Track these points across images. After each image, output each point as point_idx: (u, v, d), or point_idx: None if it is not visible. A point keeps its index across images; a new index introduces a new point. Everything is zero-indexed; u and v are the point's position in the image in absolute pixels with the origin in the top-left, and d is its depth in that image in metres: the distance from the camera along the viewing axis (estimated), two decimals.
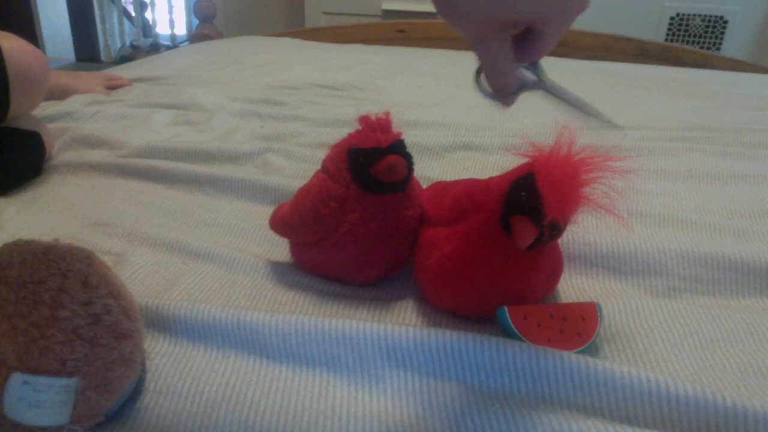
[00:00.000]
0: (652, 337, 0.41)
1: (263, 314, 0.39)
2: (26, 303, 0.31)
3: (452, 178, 0.51)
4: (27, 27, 2.96)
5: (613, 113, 1.00)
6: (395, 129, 0.44)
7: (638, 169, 0.71)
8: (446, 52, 1.64)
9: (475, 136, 0.83)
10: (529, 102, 0.36)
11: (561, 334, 0.38)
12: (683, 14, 2.12)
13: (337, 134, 0.48)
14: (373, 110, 0.45)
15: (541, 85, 0.34)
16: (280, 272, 0.49)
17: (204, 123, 0.90)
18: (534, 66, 0.34)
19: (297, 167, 0.73)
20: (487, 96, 0.34)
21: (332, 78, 1.26)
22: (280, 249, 0.54)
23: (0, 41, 0.63)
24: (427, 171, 0.71)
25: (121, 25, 3.39)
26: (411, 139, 0.48)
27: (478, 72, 0.33)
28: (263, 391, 0.36)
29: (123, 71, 1.26)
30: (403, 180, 0.44)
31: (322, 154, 0.48)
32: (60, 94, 1.01)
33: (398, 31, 1.80)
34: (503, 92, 0.33)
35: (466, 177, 0.52)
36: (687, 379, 0.36)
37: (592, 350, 0.40)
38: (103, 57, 3.44)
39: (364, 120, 0.44)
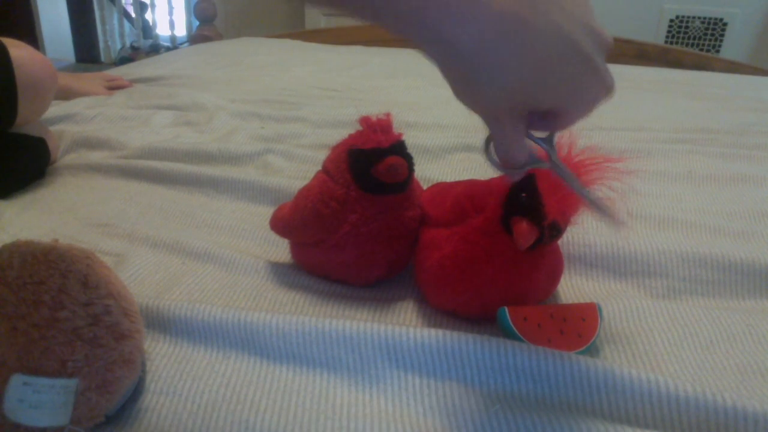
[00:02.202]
0: (652, 337, 0.41)
1: (264, 315, 0.39)
2: (26, 304, 0.31)
3: (453, 179, 0.51)
4: (27, 28, 2.96)
5: (613, 115, 1.00)
6: (396, 130, 0.45)
7: (638, 170, 0.71)
8: None
9: (476, 137, 0.83)
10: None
11: (561, 334, 0.38)
12: (683, 16, 2.12)
13: (338, 135, 0.48)
14: (374, 111, 0.46)
15: (548, 165, 0.34)
16: (280, 273, 0.49)
17: (204, 124, 0.90)
18: (549, 140, 0.34)
19: (297, 168, 0.73)
20: (494, 166, 0.34)
21: (332, 79, 1.26)
22: (281, 249, 0.54)
23: (9, 50, 0.63)
24: (428, 172, 0.71)
25: (121, 26, 3.40)
26: (411, 140, 0.49)
27: (488, 141, 0.33)
28: (264, 391, 0.36)
29: (123, 72, 1.26)
30: (404, 181, 0.44)
31: (322, 155, 0.48)
32: (61, 94, 1.01)
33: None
34: (511, 166, 0.32)
35: (466, 178, 0.52)
36: (687, 379, 0.36)
37: (593, 351, 0.40)
38: (103, 58, 3.45)
39: (364, 121, 0.44)
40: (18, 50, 0.64)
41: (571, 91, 0.29)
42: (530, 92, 0.28)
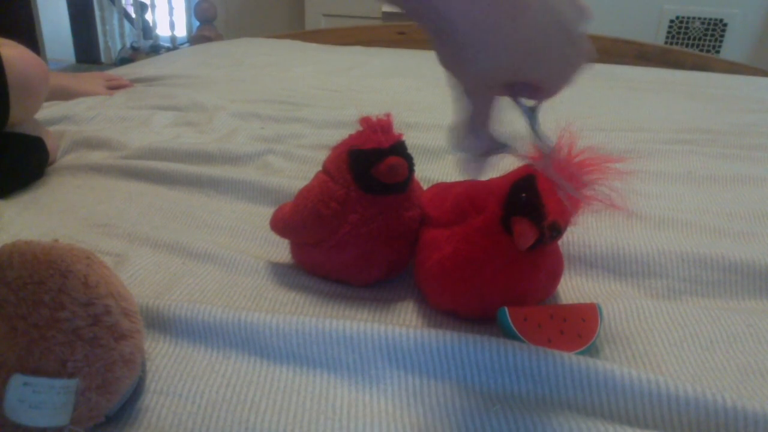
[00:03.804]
0: (652, 338, 0.41)
1: (264, 315, 0.39)
2: (26, 304, 0.31)
3: (453, 179, 0.51)
4: (27, 28, 2.96)
5: (613, 115, 1.00)
6: (396, 130, 0.45)
7: (638, 171, 0.71)
8: None
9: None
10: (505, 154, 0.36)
11: (561, 335, 0.38)
12: (683, 17, 2.12)
13: (338, 135, 0.48)
14: (374, 112, 0.46)
15: (511, 149, 0.35)
16: (280, 273, 0.49)
17: (204, 124, 0.90)
18: (533, 110, 0.34)
19: (297, 168, 0.73)
20: (462, 152, 0.34)
21: (333, 80, 1.26)
22: (281, 250, 0.54)
23: (0, 49, 0.63)
24: (428, 172, 0.71)
25: (121, 26, 3.40)
26: (412, 140, 0.48)
27: (456, 128, 0.34)
28: (264, 391, 0.36)
29: (123, 73, 1.26)
30: (404, 181, 0.44)
31: (322, 156, 0.48)
32: (61, 94, 1.01)
33: (398, 33, 1.81)
34: (471, 149, 0.33)
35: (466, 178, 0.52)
36: (687, 380, 0.36)
37: (593, 351, 0.40)
38: (103, 58, 3.45)
39: (365, 121, 0.44)
40: (9, 49, 0.64)
41: (555, 62, 0.29)
42: (518, 65, 0.28)
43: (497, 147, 0.33)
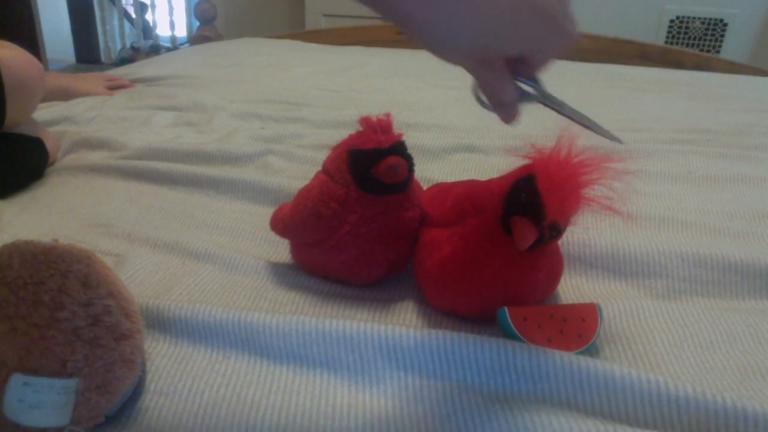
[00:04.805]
0: (652, 338, 0.41)
1: (264, 315, 0.39)
2: (26, 304, 0.31)
3: (453, 179, 0.51)
4: (27, 28, 2.96)
5: (613, 115, 1.00)
6: (396, 130, 0.45)
7: (638, 171, 0.71)
8: None
9: (476, 137, 0.84)
10: (528, 105, 0.37)
11: (561, 335, 0.38)
12: (683, 17, 2.12)
13: (338, 135, 0.48)
14: (374, 112, 0.46)
15: (539, 97, 0.35)
16: (280, 273, 0.49)
17: (204, 124, 0.90)
18: (533, 80, 0.35)
19: (297, 168, 0.73)
20: (487, 108, 0.34)
21: (333, 80, 1.26)
22: (281, 250, 0.54)
23: None
24: (428, 172, 0.71)
25: (121, 26, 3.40)
26: (411, 140, 0.49)
27: (476, 85, 0.34)
28: (264, 391, 0.36)
29: (123, 73, 1.26)
30: (404, 181, 0.44)
31: (322, 156, 0.48)
32: (61, 95, 1.01)
33: (399, 33, 1.81)
34: (501, 105, 0.34)
35: (466, 178, 0.52)
36: (687, 380, 0.36)
37: (593, 351, 0.40)
38: (103, 58, 3.45)
39: (364, 121, 0.44)
40: (4, 50, 0.65)
41: (530, 39, 0.30)
42: (490, 46, 0.29)
43: (523, 96, 0.34)
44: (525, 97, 0.34)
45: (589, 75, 1.40)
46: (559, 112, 0.36)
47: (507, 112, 0.34)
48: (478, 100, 0.35)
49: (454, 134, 0.85)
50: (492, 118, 0.36)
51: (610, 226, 0.55)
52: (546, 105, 0.36)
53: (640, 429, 0.32)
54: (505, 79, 0.33)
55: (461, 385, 0.36)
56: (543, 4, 0.29)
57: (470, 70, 0.32)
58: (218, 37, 1.95)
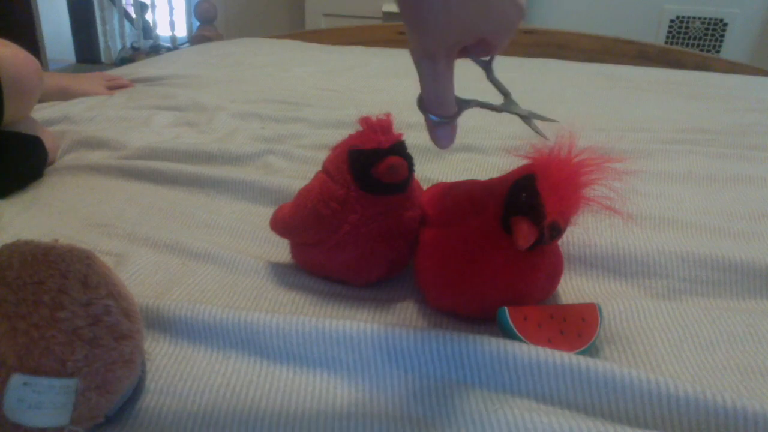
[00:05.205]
0: (653, 338, 0.41)
1: (264, 315, 0.39)
2: (26, 304, 0.31)
3: (453, 179, 0.51)
4: (27, 28, 2.96)
5: (613, 115, 1.00)
6: (396, 130, 0.45)
7: (638, 171, 0.71)
8: None
9: (476, 137, 0.83)
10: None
11: (561, 334, 0.38)
12: (683, 17, 2.12)
13: (338, 135, 0.48)
14: (374, 112, 0.46)
15: (475, 102, 0.37)
16: (280, 273, 0.49)
17: (204, 124, 0.90)
18: (487, 62, 0.37)
19: (297, 168, 0.73)
20: (428, 118, 0.35)
21: (333, 80, 1.26)
22: (281, 250, 0.54)
23: None
24: (428, 172, 0.71)
25: (121, 26, 3.40)
26: (411, 140, 0.48)
27: (420, 98, 0.35)
28: (264, 391, 0.36)
29: (123, 73, 1.26)
30: (404, 181, 0.44)
31: (322, 156, 0.48)
32: (61, 95, 1.01)
33: (399, 33, 1.81)
34: (444, 111, 0.35)
35: (466, 178, 0.52)
36: (687, 380, 0.36)
37: (593, 351, 0.40)
38: (103, 58, 3.45)
39: (365, 121, 0.44)
40: (1, 48, 0.65)
41: (499, 18, 0.32)
42: (470, 25, 0.31)
43: (463, 105, 0.36)
44: (463, 105, 0.36)
45: (590, 75, 1.40)
46: (495, 110, 0.38)
47: (447, 121, 0.35)
48: (422, 110, 0.36)
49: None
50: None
51: (610, 226, 0.55)
52: (483, 107, 0.37)
53: (640, 429, 0.32)
54: (451, 80, 0.34)
55: (461, 386, 0.36)
56: None
57: (428, 62, 0.33)
58: (218, 37, 1.95)
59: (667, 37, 2.16)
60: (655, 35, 2.15)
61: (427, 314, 0.44)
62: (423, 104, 0.35)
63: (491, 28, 0.32)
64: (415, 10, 0.31)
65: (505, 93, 0.39)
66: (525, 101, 0.40)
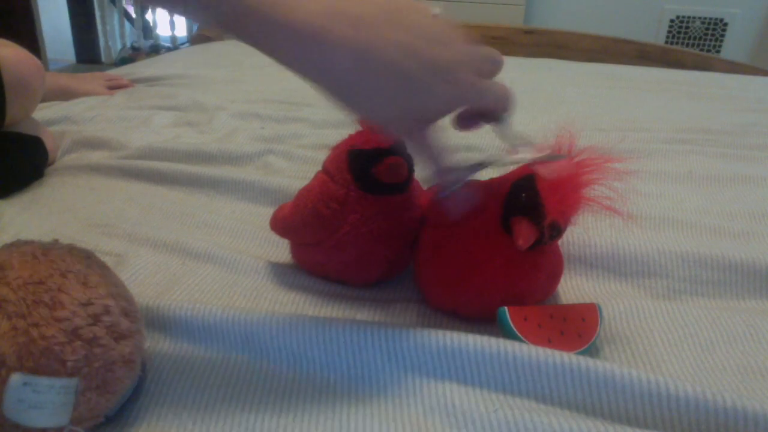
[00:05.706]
0: (652, 338, 0.41)
1: (264, 315, 0.39)
2: (26, 303, 0.31)
3: None
4: (27, 28, 2.96)
5: (613, 115, 1.00)
6: None
7: (638, 170, 0.71)
8: None
9: (475, 137, 0.83)
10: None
11: (561, 335, 0.38)
12: (683, 17, 2.12)
13: (338, 135, 0.48)
14: None
15: (484, 164, 0.37)
16: (280, 273, 0.49)
17: (204, 124, 0.90)
18: (501, 121, 0.37)
19: (297, 168, 0.73)
20: (443, 195, 0.35)
21: None
22: (281, 250, 0.54)
23: None
24: (428, 172, 0.71)
25: (121, 26, 3.40)
26: None
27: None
28: (264, 391, 0.36)
29: (124, 73, 1.26)
30: (404, 181, 0.44)
31: (322, 156, 0.48)
32: (61, 95, 1.01)
33: None
34: (449, 180, 0.35)
35: None
36: (687, 380, 0.35)
37: (593, 351, 0.40)
38: (103, 58, 3.45)
39: (364, 121, 0.44)
40: (3, 49, 0.65)
41: (451, 100, 0.31)
42: (410, 110, 0.30)
43: (467, 172, 0.35)
44: (474, 170, 0.35)
45: (590, 75, 1.40)
46: (503, 165, 0.38)
47: (454, 184, 0.35)
48: (432, 180, 0.36)
49: (453, 134, 0.85)
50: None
51: (610, 226, 0.55)
52: (493, 165, 0.37)
53: (640, 429, 0.32)
54: (443, 145, 0.33)
55: (461, 385, 0.36)
56: (445, 67, 0.30)
57: (405, 138, 0.32)
58: (218, 37, 1.95)
59: (667, 37, 2.16)
60: (655, 35, 2.15)
61: (427, 314, 0.44)
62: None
63: (449, 108, 0.31)
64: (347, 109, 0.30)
65: (518, 143, 0.38)
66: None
